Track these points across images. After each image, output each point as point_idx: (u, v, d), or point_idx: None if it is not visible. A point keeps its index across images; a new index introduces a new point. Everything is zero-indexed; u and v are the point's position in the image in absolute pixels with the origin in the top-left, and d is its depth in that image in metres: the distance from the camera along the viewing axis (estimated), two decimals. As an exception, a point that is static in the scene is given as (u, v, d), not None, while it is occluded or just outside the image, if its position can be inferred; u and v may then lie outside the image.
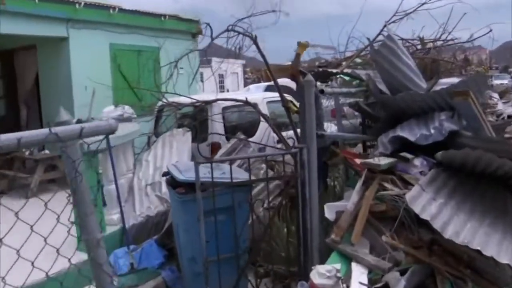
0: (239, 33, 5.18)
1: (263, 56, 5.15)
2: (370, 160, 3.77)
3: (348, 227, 3.48)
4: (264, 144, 5.28)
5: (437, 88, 4.59)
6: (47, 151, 7.37)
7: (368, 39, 4.65)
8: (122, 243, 4.79)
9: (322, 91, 3.80)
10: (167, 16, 9.32)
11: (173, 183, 3.91)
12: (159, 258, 4.56)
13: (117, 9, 8.30)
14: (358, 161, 4.31)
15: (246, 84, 26.20)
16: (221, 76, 28.83)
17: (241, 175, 3.76)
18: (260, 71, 29.16)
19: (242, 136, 5.32)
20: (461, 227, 3.02)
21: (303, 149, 3.37)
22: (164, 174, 4.27)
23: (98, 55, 7.84)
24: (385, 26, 5.13)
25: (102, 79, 7.65)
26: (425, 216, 3.07)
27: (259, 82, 25.02)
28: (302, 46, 4.59)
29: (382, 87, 4.91)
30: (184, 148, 5.88)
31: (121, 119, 6.56)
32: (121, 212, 4.59)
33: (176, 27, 9.45)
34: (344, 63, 5.98)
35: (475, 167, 3.48)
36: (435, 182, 3.52)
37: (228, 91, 22.66)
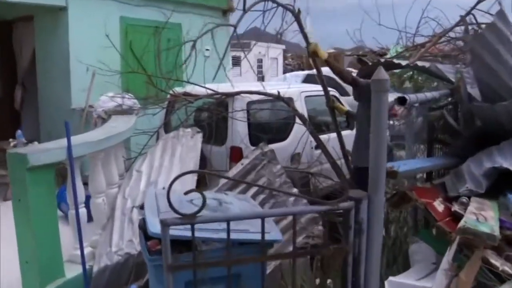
0: (278, 4, 3.88)
1: (305, 37, 3.86)
2: (471, 223, 2.22)
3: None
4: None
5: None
6: (35, 143, 6.01)
7: (462, 16, 3.06)
8: (89, 291, 3.45)
9: (403, 100, 2.24)
10: (191, -13, 7.88)
11: (145, 229, 2.52)
12: (134, 321, 3.22)
13: (130, -25, 6.91)
14: (437, 206, 2.76)
15: (285, 71, 24.79)
16: (259, 61, 27.31)
17: (254, 228, 2.28)
18: (302, 58, 27.54)
19: (266, 148, 3.82)
20: None
21: (361, 202, 1.87)
22: (142, 207, 2.88)
23: (104, 30, 6.42)
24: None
25: (108, 60, 6.22)
26: None
27: (299, 69, 23.38)
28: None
29: (473, 89, 3.41)
30: (191, 155, 4.43)
31: (119, 111, 5.20)
32: (81, 248, 3.23)
33: (202, 1, 7.98)
34: (411, 53, 4.44)
35: None
36: None
37: (263, 79, 21.15)
